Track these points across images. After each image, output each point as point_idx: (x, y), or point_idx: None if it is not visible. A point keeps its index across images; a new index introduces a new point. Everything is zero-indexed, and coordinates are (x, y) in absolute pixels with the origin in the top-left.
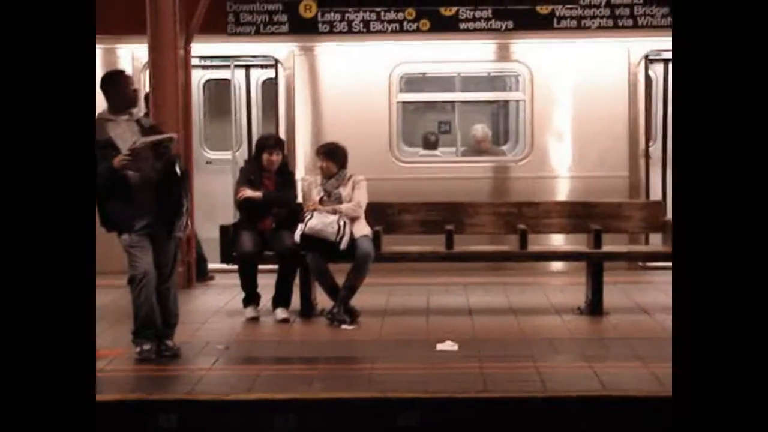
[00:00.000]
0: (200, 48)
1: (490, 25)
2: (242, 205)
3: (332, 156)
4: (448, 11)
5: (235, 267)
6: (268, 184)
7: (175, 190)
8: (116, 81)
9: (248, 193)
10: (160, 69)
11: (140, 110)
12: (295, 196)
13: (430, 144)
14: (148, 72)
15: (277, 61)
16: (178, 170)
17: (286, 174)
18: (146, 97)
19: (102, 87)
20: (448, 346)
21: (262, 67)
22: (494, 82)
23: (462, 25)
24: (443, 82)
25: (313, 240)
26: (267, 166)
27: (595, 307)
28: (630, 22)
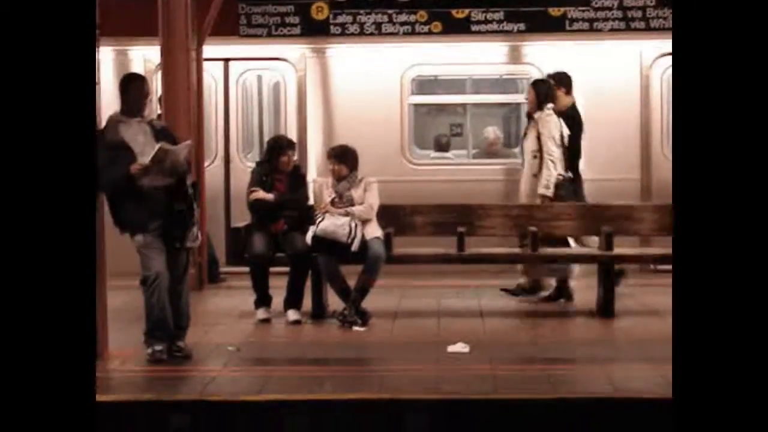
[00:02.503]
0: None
1: (502, 27)
2: (254, 206)
3: (343, 158)
4: (459, 13)
5: (247, 269)
6: (280, 186)
7: (185, 203)
8: (132, 84)
9: (261, 194)
10: (172, 71)
11: (152, 112)
12: (307, 198)
13: (441, 146)
14: (160, 74)
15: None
16: (188, 182)
17: (297, 175)
18: (159, 99)
19: (120, 89)
20: (459, 348)
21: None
22: (506, 84)
23: (474, 28)
24: (455, 85)
25: (324, 242)
26: (283, 167)
27: (606, 309)
28: (642, 24)
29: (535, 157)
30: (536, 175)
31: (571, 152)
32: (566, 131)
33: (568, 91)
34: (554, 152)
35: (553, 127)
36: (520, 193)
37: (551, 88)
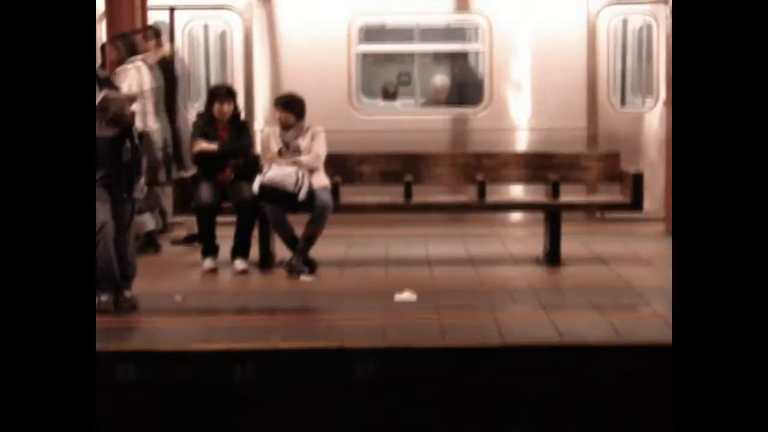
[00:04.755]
0: None
1: None
2: (198, 158)
3: (290, 106)
4: None
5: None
6: (223, 134)
7: (132, 154)
8: None
9: (203, 145)
10: (117, 19)
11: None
12: (251, 145)
13: (389, 95)
14: (104, 22)
15: None
16: (135, 133)
17: (239, 123)
18: (102, 47)
19: None
20: (407, 296)
21: None
22: (454, 33)
23: None
24: (403, 34)
25: (271, 191)
26: (218, 116)
27: (552, 257)
28: None
29: None
30: None
31: (167, 104)
32: (148, 84)
33: (159, 43)
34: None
35: (131, 80)
36: None
37: (132, 42)
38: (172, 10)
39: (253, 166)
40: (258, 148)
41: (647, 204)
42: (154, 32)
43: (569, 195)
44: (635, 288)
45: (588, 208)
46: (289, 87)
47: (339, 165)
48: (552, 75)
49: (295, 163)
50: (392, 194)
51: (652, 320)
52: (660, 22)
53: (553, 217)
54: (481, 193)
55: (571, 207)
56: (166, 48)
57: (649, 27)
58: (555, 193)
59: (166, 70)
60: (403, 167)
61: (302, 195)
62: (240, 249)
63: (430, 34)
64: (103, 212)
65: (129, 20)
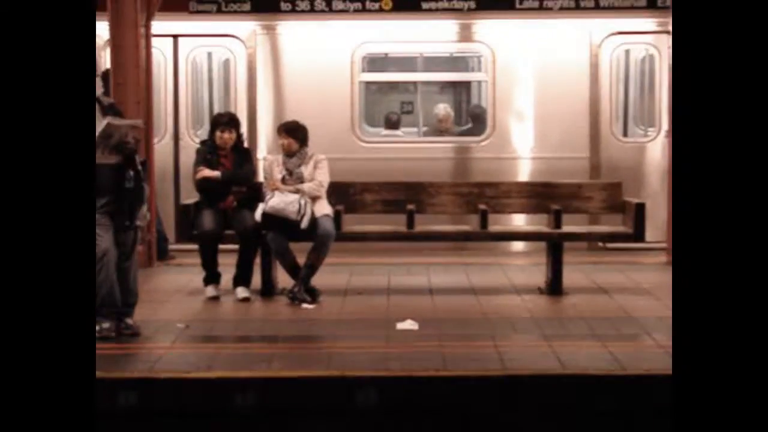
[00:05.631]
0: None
1: (453, 5)
2: (201, 185)
3: (293, 133)
4: None
5: (196, 246)
6: (226, 162)
7: (135, 181)
8: None
9: (206, 173)
10: (121, 47)
11: (99, 88)
12: (254, 172)
13: (392, 124)
14: (108, 50)
15: None
16: (138, 161)
17: (242, 151)
18: (105, 75)
19: None
20: (409, 325)
21: None
22: (456, 62)
23: (424, 5)
24: (406, 62)
25: (274, 219)
26: (220, 144)
27: (554, 286)
28: (591, 2)
29: None
30: None
31: None
32: None
33: None
34: None
35: None
36: None
37: None
38: (175, 38)
39: (256, 193)
40: (261, 176)
41: (649, 234)
42: None
43: (571, 224)
44: (637, 318)
45: (590, 239)
46: (292, 115)
47: (341, 193)
48: (555, 104)
49: (297, 191)
50: (394, 223)
51: (653, 350)
52: (662, 52)
53: (555, 247)
54: (484, 222)
55: (573, 237)
56: None
57: (651, 57)
58: (557, 222)
59: None
60: (406, 196)
61: (305, 223)
62: (242, 277)
63: (433, 63)
64: (105, 240)
65: (134, 48)
